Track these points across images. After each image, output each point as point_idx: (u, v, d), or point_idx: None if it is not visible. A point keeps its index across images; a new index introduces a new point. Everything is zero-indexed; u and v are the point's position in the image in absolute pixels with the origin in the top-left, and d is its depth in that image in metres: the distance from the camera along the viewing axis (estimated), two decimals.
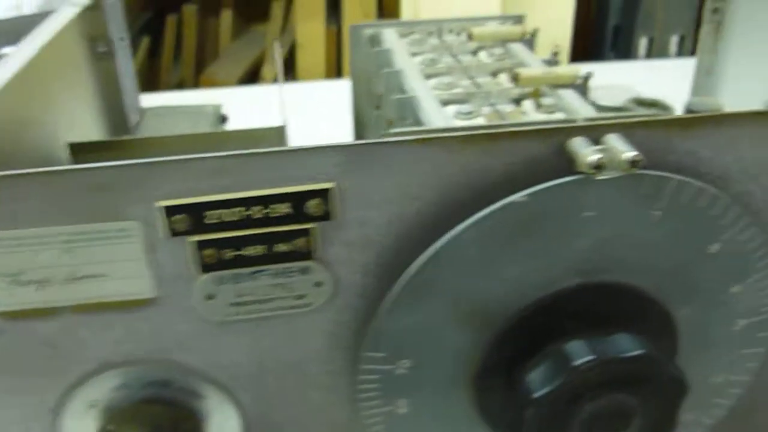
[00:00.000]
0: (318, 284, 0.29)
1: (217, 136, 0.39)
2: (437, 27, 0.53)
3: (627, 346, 0.28)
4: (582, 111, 0.39)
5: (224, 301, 0.29)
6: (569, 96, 0.40)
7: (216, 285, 0.29)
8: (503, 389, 0.31)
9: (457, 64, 0.47)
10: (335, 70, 1.27)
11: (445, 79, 0.43)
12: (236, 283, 0.29)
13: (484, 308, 0.29)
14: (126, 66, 0.73)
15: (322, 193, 0.27)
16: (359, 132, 0.56)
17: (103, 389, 0.31)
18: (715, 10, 0.58)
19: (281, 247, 0.28)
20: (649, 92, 0.67)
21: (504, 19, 0.53)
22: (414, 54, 0.48)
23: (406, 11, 0.96)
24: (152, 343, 0.30)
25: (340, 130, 0.59)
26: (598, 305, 0.30)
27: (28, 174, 0.25)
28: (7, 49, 0.60)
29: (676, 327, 0.32)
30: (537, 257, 0.28)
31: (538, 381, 0.29)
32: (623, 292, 0.30)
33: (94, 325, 0.29)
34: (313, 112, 0.77)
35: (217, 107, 0.49)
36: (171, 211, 0.27)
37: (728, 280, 0.31)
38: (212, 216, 0.27)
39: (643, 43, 1.16)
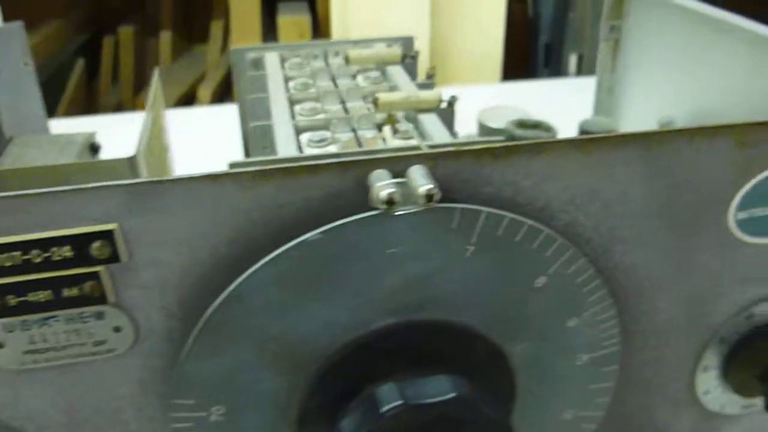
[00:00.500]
0: (117, 329, 0.27)
1: (59, 170, 0.37)
2: (323, 49, 0.52)
3: (440, 389, 0.27)
4: (436, 136, 0.37)
5: (16, 349, 0.27)
6: (428, 121, 0.39)
7: (4, 332, 0.27)
8: None
9: (332, 89, 0.45)
10: None
11: (308, 105, 0.42)
12: (26, 330, 0.27)
13: (295, 350, 0.28)
14: (31, 92, 0.71)
15: (105, 235, 0.25)
16: (248, 156, 0.55)
17: None
18: (612, 28, 0.57)
19: (69, 292, 0.26)
20: (565, 111, 0.66)
21: (392, 40, 0.52)
22: (290, 78, 0.47)
23: (336, 30, 0.95)
24: None
25: None
26: (419, 345, 0.28)
27: None
28: None
29: (510, 363, 0.30)
30: (344, 297, 0.27)
31: (350, 428, 0.27)
32: (445, 330, 0.28)
33: None
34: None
35: (90, 135, 0.48)
36: None
37: (562, 314, 0.30)
38: None
39: (573, 60, 1.16)
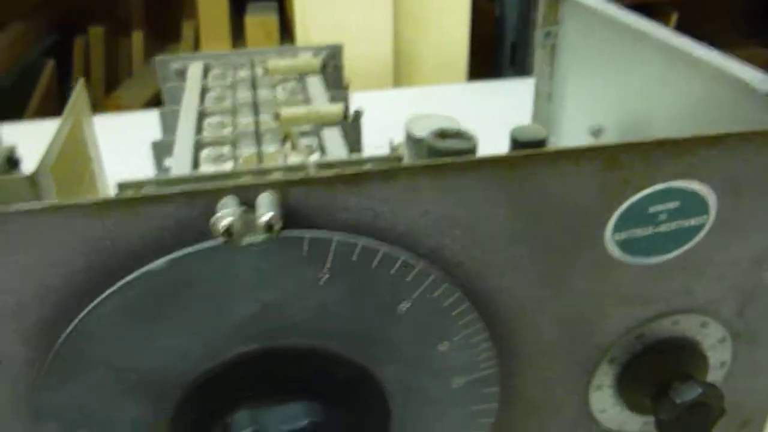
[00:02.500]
0: None
1: None
2: (249, 58, 0.52)
3: (294, 416, 0.27)
4: (332, 152, 0.37)
5: None
6: (329, 136, 0.39)
7: None
8: None
9: (249, 101, 0.45)
10: None
11: (217, 119, 0.42)
12: None
13: (153, 379, 0.28)
14: None
15: None
16: None
17: None
18: (548, 34, 0.56)
19: None
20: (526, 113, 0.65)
21: (318, 49, 0.52)
22: (208, 89, 0.47)
23: (300, 31, 0.95)
24: None
25: None
26: (280, 370, 0.28)
27: None
28: None
29: (381, 387, 0.30)
30: (196, 326, 0.27)
31: None
32: (307, 356, 0.28)
33: None
34: None
35: (9, 149, 0.48)
36: None
37: (430, 339, 0.29)
38: None
39: None
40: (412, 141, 0.50)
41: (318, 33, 0.95)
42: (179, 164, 0.37)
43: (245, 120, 0.43)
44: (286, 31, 1.17)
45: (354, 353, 0.29)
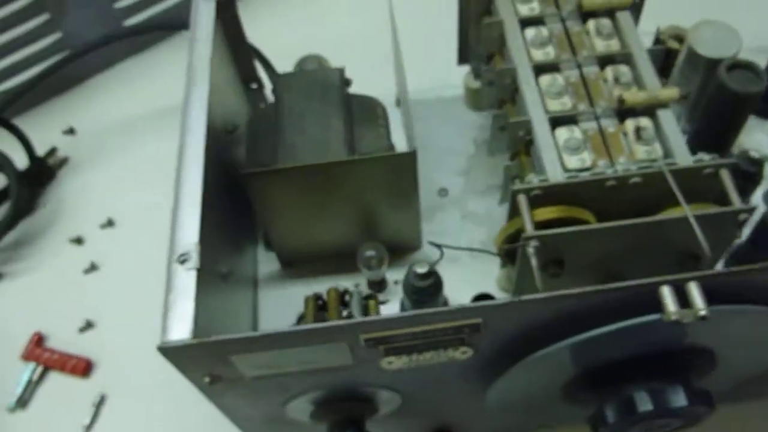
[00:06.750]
0: (463, 352, 0.42)
1: (359, 164, 0.49)
2: None
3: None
4: (675, 148, 0.45)
5: (400, 363, 0.42)
6: (665, 120, 0.46)
7: (395, 357, 0.41)
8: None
9: (568, 49, 0.51)
10: None
11: (554, 87, 0.48)
12: (408, 355, 0.41)
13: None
14: None
15: (473, 325, 0.38)
16: (462, 49, 0.61)
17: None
18: None
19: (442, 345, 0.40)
20: None
21: None
22: (524, 22, 0.52)
23: None
24: (351, 381, 0.44)
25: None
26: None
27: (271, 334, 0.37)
28: None
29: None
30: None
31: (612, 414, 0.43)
32: (688, 350, 0.42)
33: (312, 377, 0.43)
34: None
35: (341, 72, 0.54)
36: (369, 341, 0.39)
37: None
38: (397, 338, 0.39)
39: None
40: (695, 56, 0.54)
41: None
42: (552, 168, 0.45)
43: (572, 73, 0.49)
44: None
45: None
